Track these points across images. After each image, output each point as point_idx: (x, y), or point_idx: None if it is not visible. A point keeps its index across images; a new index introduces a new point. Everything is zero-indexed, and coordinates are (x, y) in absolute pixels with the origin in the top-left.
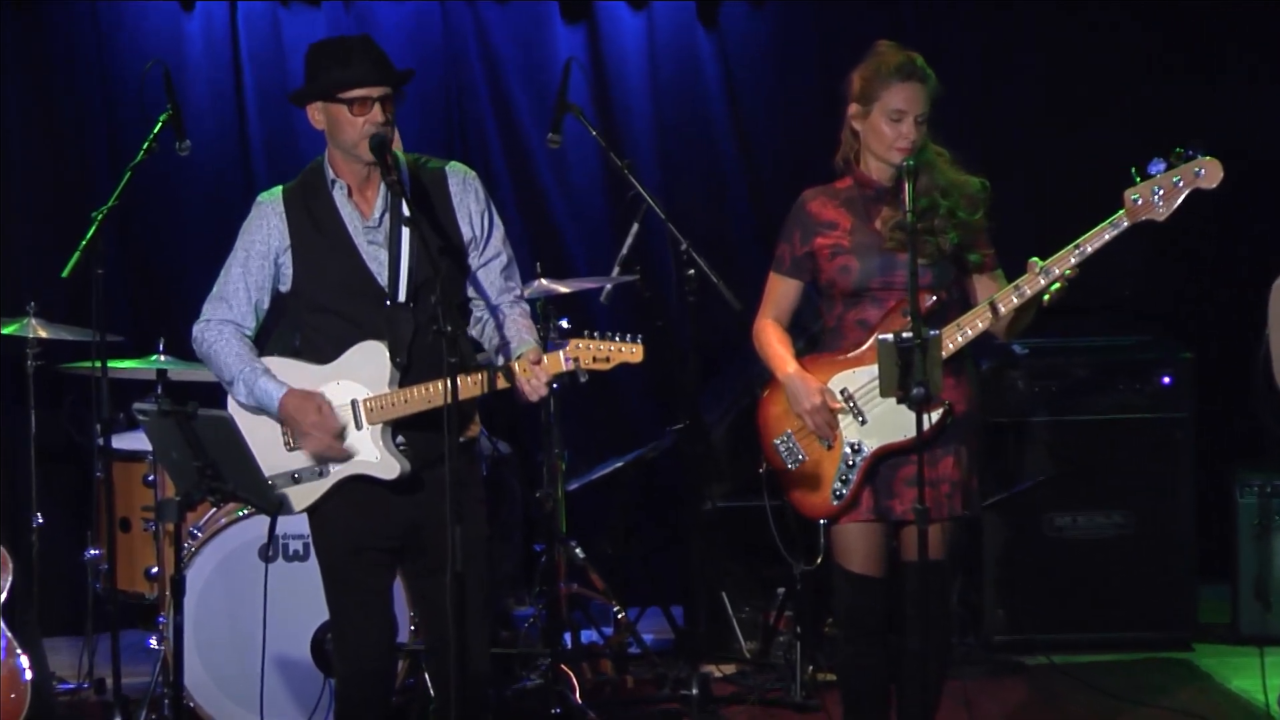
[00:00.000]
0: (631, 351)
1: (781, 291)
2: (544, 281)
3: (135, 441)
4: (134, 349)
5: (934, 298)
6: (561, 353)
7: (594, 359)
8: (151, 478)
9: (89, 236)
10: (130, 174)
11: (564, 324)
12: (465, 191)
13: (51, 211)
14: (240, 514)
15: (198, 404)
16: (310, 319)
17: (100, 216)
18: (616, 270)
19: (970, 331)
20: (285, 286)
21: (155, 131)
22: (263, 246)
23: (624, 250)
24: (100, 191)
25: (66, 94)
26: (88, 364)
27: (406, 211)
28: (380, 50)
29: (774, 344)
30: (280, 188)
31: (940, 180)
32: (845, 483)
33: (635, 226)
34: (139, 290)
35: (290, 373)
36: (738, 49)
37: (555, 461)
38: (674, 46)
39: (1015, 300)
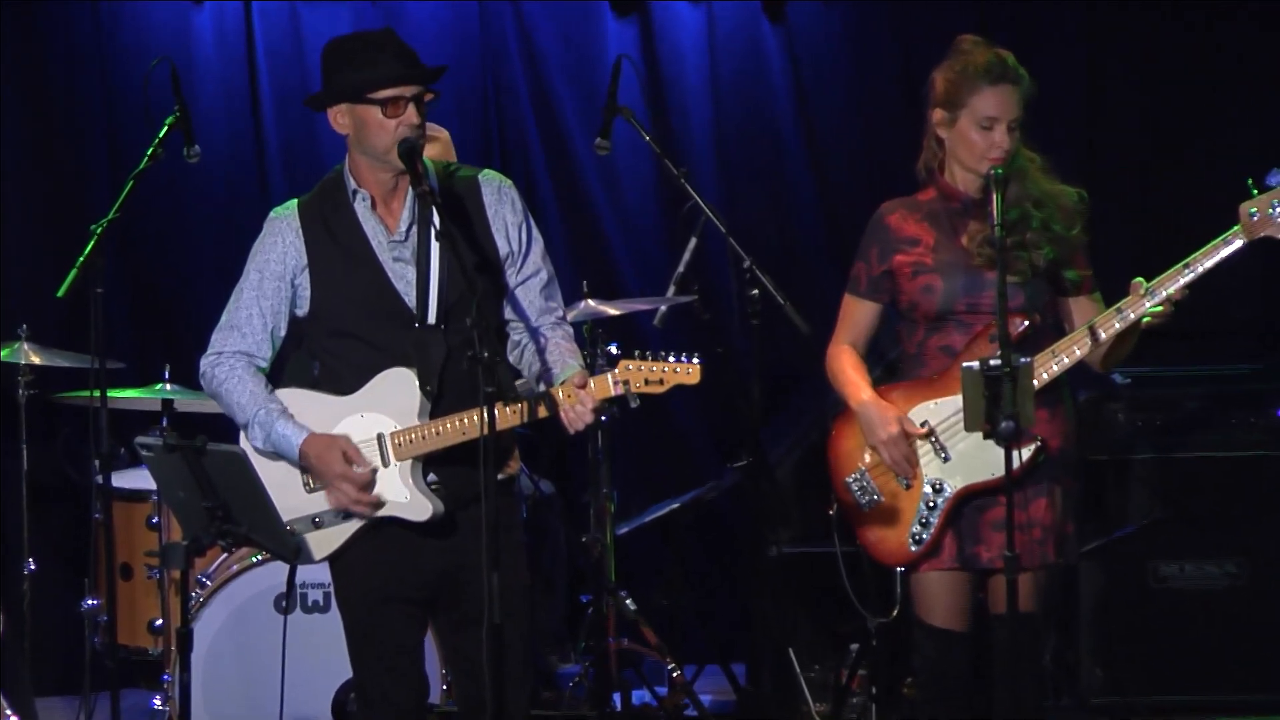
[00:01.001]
0: (688, 372)
1: (857, 314)
2: (591, 303)
3: (138, 479)
4: (137, 377)
5: (1026, 321)
6: (610, 375)
7: (646, 381)
8: (156, 520)
9: (87, 252)
10: (133, 183)
11: (613, 349)
12: (500, 202)
13: (46, 224)
14: (254, 560)
15: (207, 438)
16: (330, 345)
17: (100, 230)
18: (672, 290)
19: (1066, 359)
20: (302, 310)
21: (161, 136)
22: (278, 267)
23: (680, 268)
24: (100, 202)
25: (63, 95)
26: (85, 393)
27: (440, 224)
28: (407, 45)
29: (848, 370)
30: (295, 201)
31: (1032, 190)
32: (925, 526)
33: (693, 241)
34: (142, 312)
35: (308, 406)
36: (807, 45)
37: (603, 502)
38: (736, 42)
39: (1117, 325)
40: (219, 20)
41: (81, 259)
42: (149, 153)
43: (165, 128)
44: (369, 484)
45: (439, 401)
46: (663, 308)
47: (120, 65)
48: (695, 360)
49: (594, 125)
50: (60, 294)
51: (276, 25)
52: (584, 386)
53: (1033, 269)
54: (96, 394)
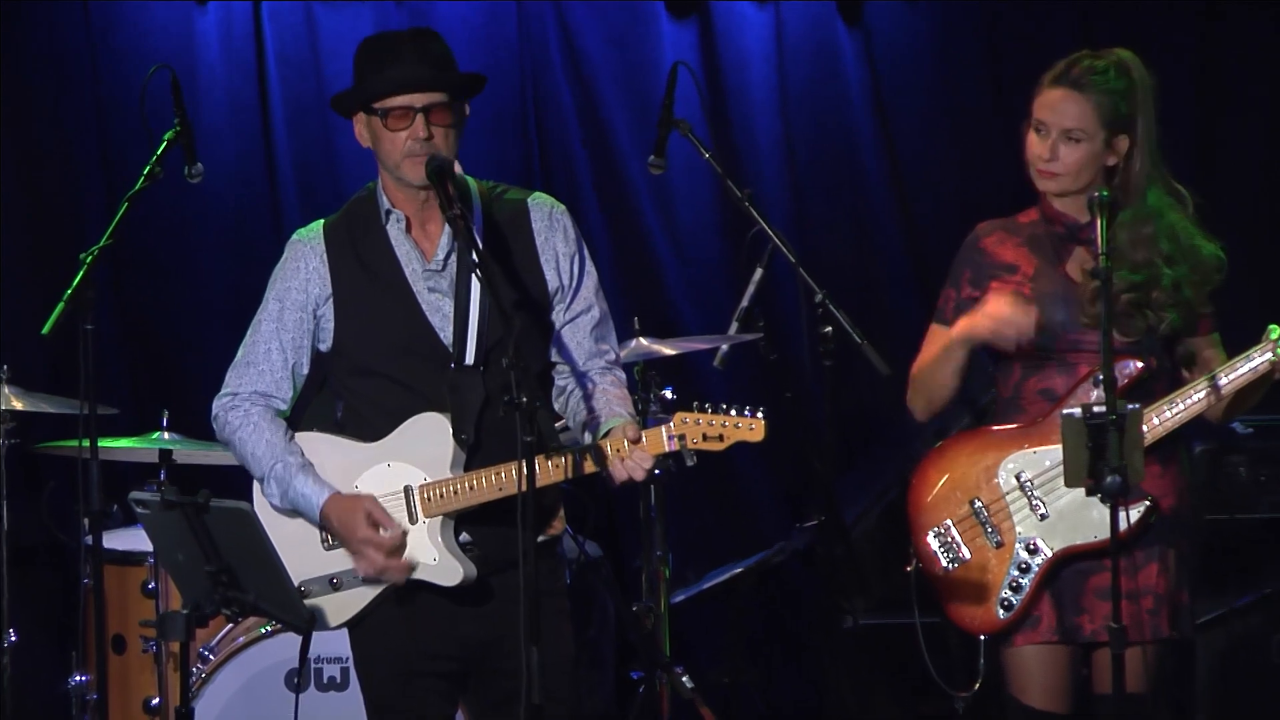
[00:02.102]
0: (751, 428)
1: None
2: (643, 341)
3: (132, 540)
4: (131, 424)
5: (1137, 364)
6: (664, 429)
7: (704, 437)
8: (152, 585)
9: (75, 283)
10: (128, 206)
11: (668, 394)
12: (552, 229)
13: (29, 252)
14: (263, 631)
15: (210, 493)
16: (355, 385)
17: (90, 259)
18: (734, 327)
19: (1181, 408)
20: (326, 345)
21: (159, 153)
22: (299, 296)
23: (744, 302)
24: (90, 228)
25: (49, 107)
26: (73, 443)
27: (478, 253)
28: (441, 47)
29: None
30: (321, 223)
31: (1164, 243)
32: (1017, 591)
33: (758, 272)
34: (138, 351)
35: (329, 453)
36: (887, 49)
37: (657, 567)
38: (808, 47)
39: (1244, 376)
40: (225, 23)
41: (69, 291)
42: (146, 171)
43: (164, 143)
44: (398, 548)
45: (475, 452)
46: (724, 347)
47: (114, 73)
48: (760, 415)
49: (647, 141)
50: (45, 331)
51: (289, 28)
52: (636, 441)
53: (1150, 331)
54: (86, 443)
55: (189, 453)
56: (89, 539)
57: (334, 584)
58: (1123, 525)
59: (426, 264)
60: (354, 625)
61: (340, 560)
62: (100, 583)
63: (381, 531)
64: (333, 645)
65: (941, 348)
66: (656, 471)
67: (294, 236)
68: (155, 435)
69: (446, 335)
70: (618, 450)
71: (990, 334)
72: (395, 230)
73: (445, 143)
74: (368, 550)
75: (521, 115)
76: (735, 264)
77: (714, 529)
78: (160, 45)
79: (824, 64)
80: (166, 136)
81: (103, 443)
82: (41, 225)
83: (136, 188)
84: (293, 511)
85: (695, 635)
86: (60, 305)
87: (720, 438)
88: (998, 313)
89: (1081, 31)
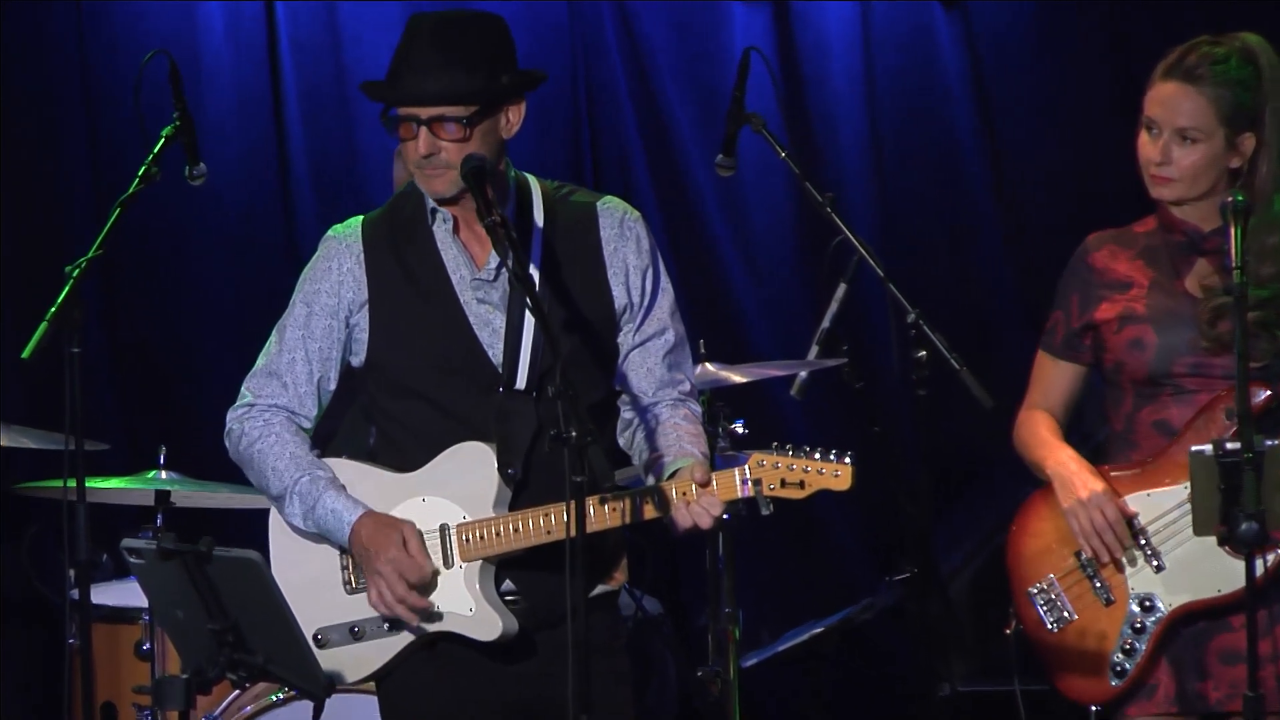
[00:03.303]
0: (835, 474)
1: (1052, 376)
2: (710, 367)
3: (125, 594)
4: (124, 462)
5: (1264, 392)
6: (738, 472)
7: (783, 483)
8: (148, 646)
9: (61, 300)
10: (120, 211)
11: (739, 428)
12: (623, 239)
13: (8, 265)
14: (274, 699)
15: (214, 540)
16: (389, 406)
17: (77, 272)
18: (814, 351)
19: None
20: (359, 359)
21: (156, 151)
22: (330, 299)
23: (825, 323)
24: (79, 237)
25: (31, 100)
26: (58, 483)
27: (521, 268)
28: (473, 41)
29: (1041, 433)
30: (360, 219)
31: None
32: (1130, 654)
33: (841, 289)
34: (132, 378)
35: (359, 482)
36: (990, 35)
37: (725, 626)
38: (898, 32)
39: None
40: (231, 3)
41: (53, 310)
42: (141, 173)
43: (162, 140)
44: (425, 585)
45: (522, 489)
46: (802, 374)
47: (104, 60)
48: (847, 460)
49: (714, 138)
50: (26, 354)
51: (305, 8)
52: (705, 484)
53: (1278, 356)
54: (72, 484)
55: (189, 494)
56: (75, 593)
57: (355, 633)
58: (1259, 576)
59: (476, 272)
60: (379, 680)
61: (364, 606)
62: (88, 643)
63: (411, 557)
64: (352, 713)
65: (1035, 454)
66: (724, 517)
67: (329, 233)
68: (151, 474)
69: (496, 354)
70: (683, 494)
71: (1064, 506)
72: (442, 232)
73: (458, 157)
74: (389, 572)
75: (572, 108)
76: (815, 279)
77: (791, 582)
78: (157, 27)
79: (917, 51)
80: (165, 132)
81: (91, 483)
82: (22, 234)
83: (130, 191)
84: (309, 546)
85: (769, 704)
86: (43, 326)
87: (801, 484)
88: (1085, 502)
89: (1221, 13)
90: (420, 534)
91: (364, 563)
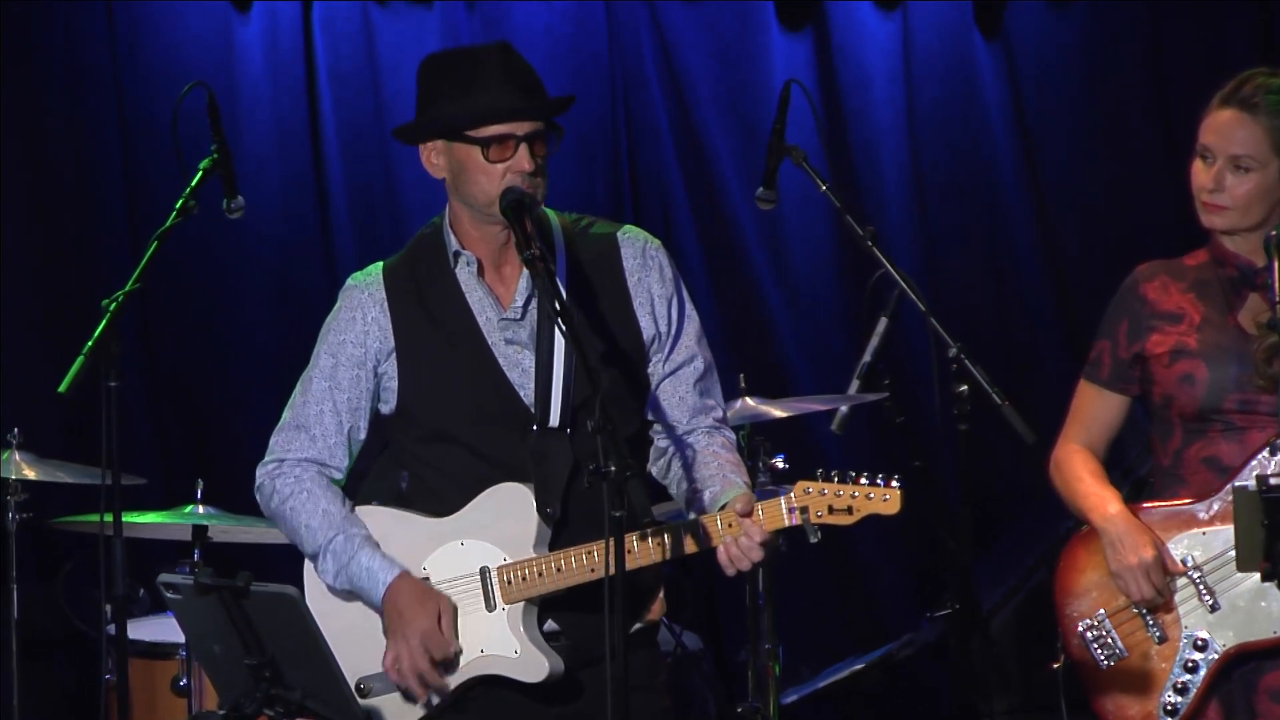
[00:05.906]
0: (884, 498)
1: (1096, 408)
2: (750, 401)
3: (162, 630)
4: (161, 496)
5: None
6: (784, 500)
7: (830, 509)
8: (185, 682)
9: (97, 334)
10: (157, 245)
11: (779, 463)
12: (646, 269)
13: (45, 299)
14: None
15: (251, 575)
16: (422, 452)
17: (114, 306)
18: (855, 385)
19: None
20: (388, 407)
21: (194, 184)
22: (356, 350)
23: (866, 357)
24: (115, 270)
25: (68, 132)
26: (94, 517)
27: (559, 301)
28: (526, 66)
29: (1084, 477)
30: (380, 265)
31: None
32: (1183, 693)
33: (882, 322)
34: (168, 412)
35: (393, 529)
36: (1031, 64)
37: (765, 662)
38: (939, 64)
39: None
40: (269, 32)
41: (90, 343)
42: (178, 206)
43: (199, 173)
44: (449, 662)
45: (561, 528)
46: (843, 408)
47: (141, 91)
48: (895, 484)
49: (754, 171)
50: (63, 389)
51: (344, 38)
52: (749, 515)
53: None
54: (109, 518)
55: (227, 529)
56: (112, 628)
57: None
58: None
59: (503, 312)
60: None
61: None
62: (125, 679)
63: (443, 633)
64: None
65: (1079, 502)
66: (781, 546)
67: (349, 282)
68: (188, 509)
69: (528, 394)
70: (729, 525)
71: (1112, 567)
72: (465, 274)
73: (545, 176)
74: (416, 645)
75: (611, 139)
76: (856, 313)
77: (831, 618)
78: (195, 58)
79: (958, 82)
80: (202, 165)
81: (128, 517)
82: (57, 267)
83: (167, 224)
84: (349, 594)
85: None
86: (80, 359)
87: (849, 509)
88: (1133, 569)
89: (1264, 42)
90: (455, 609)
91: (392, 625)
